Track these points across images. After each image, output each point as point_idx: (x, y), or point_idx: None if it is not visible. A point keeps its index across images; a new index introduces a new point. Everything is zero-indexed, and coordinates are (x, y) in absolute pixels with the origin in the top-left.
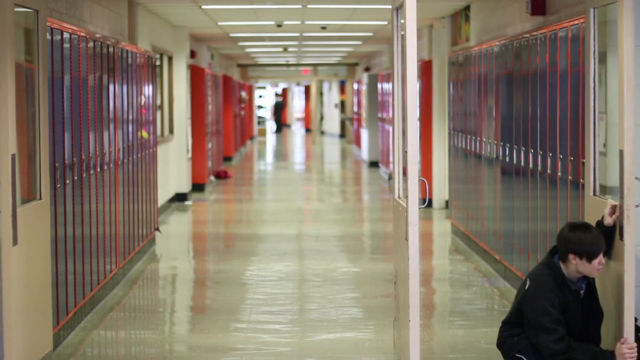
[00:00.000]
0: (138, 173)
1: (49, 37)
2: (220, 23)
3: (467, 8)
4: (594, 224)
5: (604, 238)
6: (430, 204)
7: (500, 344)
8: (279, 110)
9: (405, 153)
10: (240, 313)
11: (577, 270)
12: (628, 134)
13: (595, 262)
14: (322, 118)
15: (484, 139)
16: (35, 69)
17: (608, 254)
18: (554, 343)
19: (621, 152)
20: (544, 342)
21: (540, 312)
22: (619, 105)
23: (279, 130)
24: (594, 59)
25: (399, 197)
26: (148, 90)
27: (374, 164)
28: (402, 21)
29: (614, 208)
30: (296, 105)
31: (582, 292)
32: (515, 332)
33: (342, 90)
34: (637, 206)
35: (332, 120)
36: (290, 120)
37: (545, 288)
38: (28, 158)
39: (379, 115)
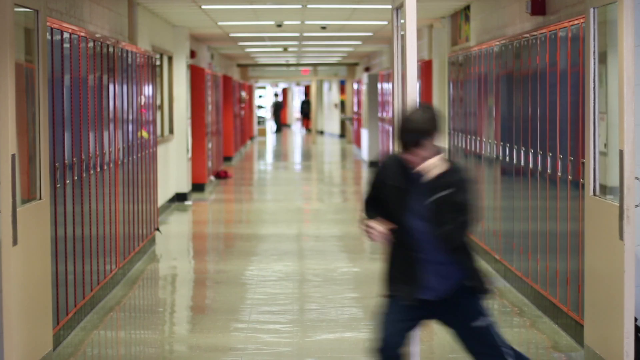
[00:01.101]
0: (138, 173)
1: (49, 37)
2: (220, 23)
3: (467, 8)
4: (593, 223)
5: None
6: None
7: None
8: (278, 110)
9: None
10: (240, 313)
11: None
12: (628, 134)
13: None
14: (307, 105)
15: (484, 139)
16: (35, 69)
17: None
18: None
19: (621, 152)
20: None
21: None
22: (619, 105)
23: (279, 130)
24: (594, 59)
25: None
26: (148, 90)
27: (374, 164)
28: (402, 21)
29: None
30: (296, 105)
31: (422, 180)
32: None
33: (342, 90)
34: (637, 206)
35: (332, 121)
36: (290, 120)
37: (378, 169)
38: (28, 158)
39: (379, 115)
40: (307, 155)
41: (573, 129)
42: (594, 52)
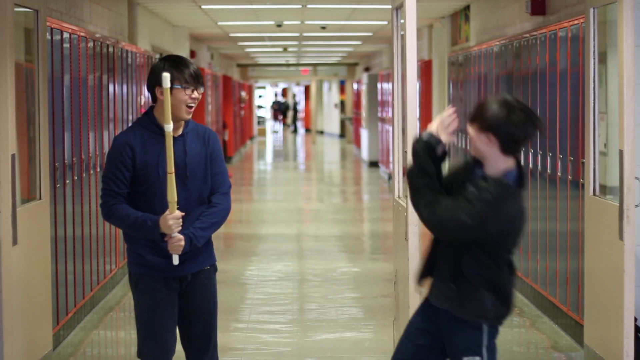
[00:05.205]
0: None
1: (49, 37)
2: (220, 23)
3: (467, 8)
4: (593, 223)
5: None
6: None
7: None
8: (296, 111)
9: (405, 153)
10: (240, 313)
11: None
12: (628, 134)
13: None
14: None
15: None
16: (35, 69)
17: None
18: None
19: (621, 152)
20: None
21: None
22: (619, 105)
23: (295, 130)
24: (594, 59)
25: (399, 197)
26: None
27: (373, 164)
28: (402, 21)
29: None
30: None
31: None
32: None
33: (342, 90)
34: (637, 206)
35: (332, 121)
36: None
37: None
38: (28, 158)
39: (379, 115)
40: (306, 155)
41: (573, 129)
42: (594, 52)
